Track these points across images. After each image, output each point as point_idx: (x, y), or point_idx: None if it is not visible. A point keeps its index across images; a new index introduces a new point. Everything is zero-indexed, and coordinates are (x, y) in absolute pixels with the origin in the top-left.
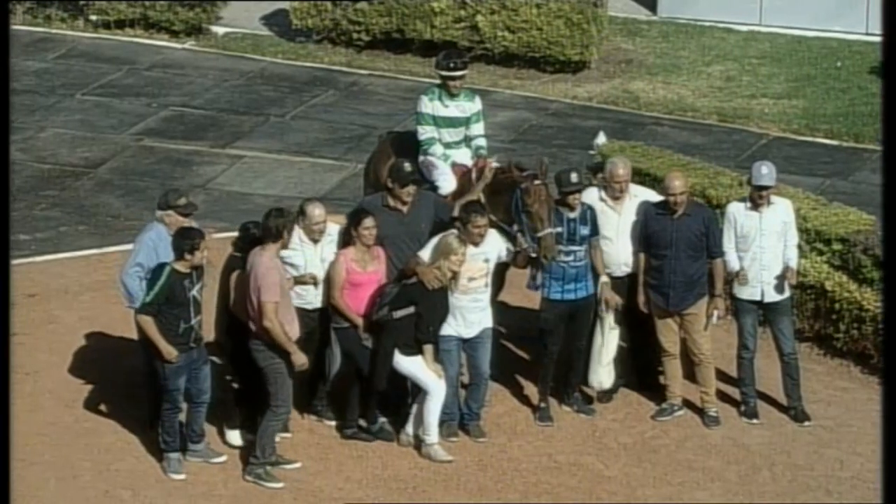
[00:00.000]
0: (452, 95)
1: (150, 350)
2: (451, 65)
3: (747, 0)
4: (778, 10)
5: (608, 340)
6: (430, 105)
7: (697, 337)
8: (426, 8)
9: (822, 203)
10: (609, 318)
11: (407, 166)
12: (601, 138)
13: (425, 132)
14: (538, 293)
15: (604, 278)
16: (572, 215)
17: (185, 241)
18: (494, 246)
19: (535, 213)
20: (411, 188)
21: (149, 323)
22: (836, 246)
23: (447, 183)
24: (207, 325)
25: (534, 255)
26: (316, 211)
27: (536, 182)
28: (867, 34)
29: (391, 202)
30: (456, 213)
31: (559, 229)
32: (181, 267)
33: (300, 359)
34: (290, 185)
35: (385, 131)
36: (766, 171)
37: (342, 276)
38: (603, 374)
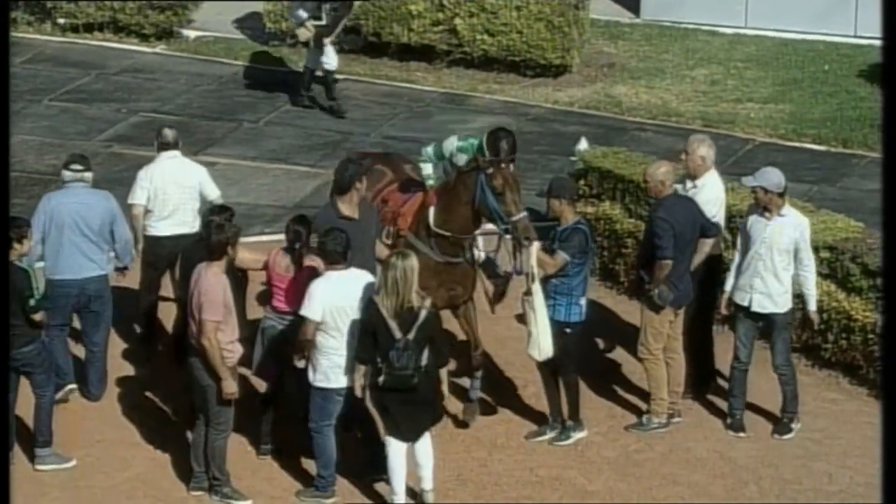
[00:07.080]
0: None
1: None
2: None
3: (733, 2)
4: (764, 12)
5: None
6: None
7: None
8: (403, 11)
9: (810, 210)
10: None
11: (351, 166)
12: (583, 144)
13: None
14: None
15: (535, 245)
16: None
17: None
18: None
19: (506, 198)
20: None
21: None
22: (824, 254)
23: None
24: None
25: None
26: None
27: (501, 166)
28: (855, 37)
29: (343, 210)
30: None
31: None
32: None
33: (230, 387)
34: (263, 193)
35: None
36: (757, 173)
37: None
38: (533, 343)
